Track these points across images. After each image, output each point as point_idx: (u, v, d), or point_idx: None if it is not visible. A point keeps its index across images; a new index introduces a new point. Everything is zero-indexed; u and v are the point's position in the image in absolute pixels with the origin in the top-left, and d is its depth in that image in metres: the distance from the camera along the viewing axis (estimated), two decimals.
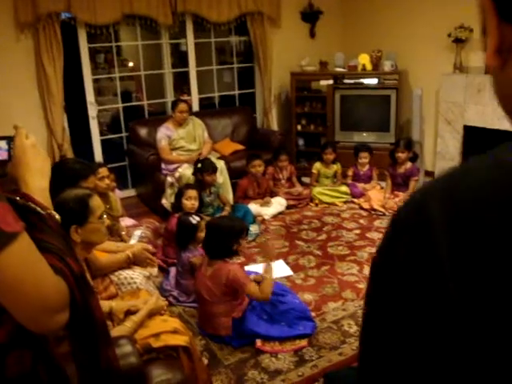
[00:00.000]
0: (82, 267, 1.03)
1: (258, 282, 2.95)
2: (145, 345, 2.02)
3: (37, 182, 1.13)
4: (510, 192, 0.46)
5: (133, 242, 3.91)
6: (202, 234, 3.41)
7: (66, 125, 5.15)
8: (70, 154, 5.15)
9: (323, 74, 6.03)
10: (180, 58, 7.15)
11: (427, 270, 0.49)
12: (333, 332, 2.96)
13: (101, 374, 1.05)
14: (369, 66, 5.79)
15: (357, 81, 5.82)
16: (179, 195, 3.96)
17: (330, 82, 5.85)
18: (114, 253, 2.75)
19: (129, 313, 2.21)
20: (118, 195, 4.63)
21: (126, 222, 4.48)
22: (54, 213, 1.10)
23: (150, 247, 2.88)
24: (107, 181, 3.81)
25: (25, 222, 0.98)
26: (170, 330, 2.12)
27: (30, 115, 4.90)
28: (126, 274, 2.60)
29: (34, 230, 0.97)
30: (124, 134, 5.66)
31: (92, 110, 5.37)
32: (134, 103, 6.18)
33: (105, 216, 2.04)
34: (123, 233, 4.05)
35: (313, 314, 3.10)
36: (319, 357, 2.74)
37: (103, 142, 5.87)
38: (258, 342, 2.82)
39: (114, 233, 3.98)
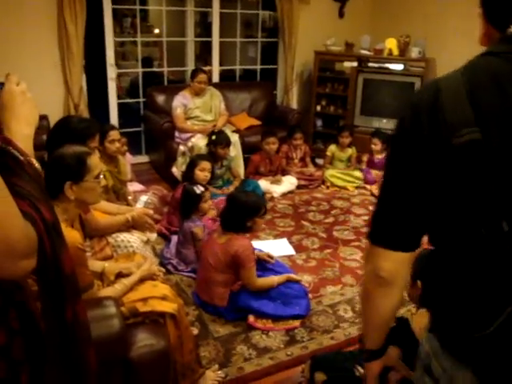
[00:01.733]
0: (55, 217, 1.00)
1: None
2: (131, 308, 2.00)
3: (20, 128, 1.10)
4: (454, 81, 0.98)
5: (138, 207, 3.91)
6: (205, 205, 3.39)
7: (84, 85, 5.12)
8: (85, 115, 5.13)
9: (348, 55, 5.91)
10: (205, 29, 7.07)
11: (414, 127, 0.98)
12: (327, 315, 2.92)
13: (66, 325, 1.03)
14: (395, 51, 5.63)
15: (382, 65, 5.68)
16: (192, 165, 3.91)
17: (355, 64, 5.72)
18: (115, 215, 2.73)
19: (120, 275, 2.20)
20: (128, 160, 4.62)
21: (135, 187, 4.48)
22: (33, 160, 1.06)
23: (150, 212, 2.85)
24: (117, 144, 3.78)
25: (2, 165, 0.95)
26: (158, 296, 2.10)
27: (48, 72, 4.89)
28: (124, 236, 2.59)
29: (10, 174, 0.94)
30: (141, 100, 5.62)
31: (111, 72, 5.33)
32: (153, 69, 6.12)
33: (102, 176, 2.01)
34: (130, 197, 4.05)
35: (310, 295, 3.07)
36: (310, 339, 2.71)
37: (120, 106, 5.84)
38: (251, 318, 2.80)
39: (120, 196, 3.97)
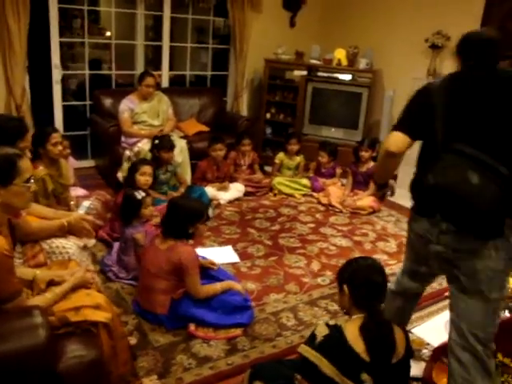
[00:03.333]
0: None
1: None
2: (62, 317, 1.92)
3: None
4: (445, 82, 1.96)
5: (80, 212, 3.78)
6: (146, 211, 3.32)
7: (26, 86, 4.95)
8: (28, 117, 4.95)
9: (298, 64, 5.97)
10: (158, 33, 6.96)
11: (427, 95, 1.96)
12: (270, 323, 2.90)
13: None
14: (344, 62, 5.73)
15: (331, 75, 5.76)
16: (133, 170, 3.83)
17: (304, 72, 5.78)
18: (51, 219, 2.63)
19: (52, 283, 2.11)
20: (72, 164, 4.49)
21: (78, 191, 4.34)
22: None
23: (88, 217, 2.75)
24: (60, 147, 3.66)
25: None
26: (91, 305, 2.02)
27: None
28: (59, 242, 2.49)
29: None
30: (88, 103, 5.48)
31: (56, 74, 5.17)
32: (100, 72, 5.97)
33: (32, 181, 1.92)
34: (72, 202, 3.91)
35: (253, 303, 3.04)
36: (252, 347, 2.68)
37: (66, 109, 5.68)
38: (192, 326, 2.74)
39: (61, 201, 3.83)
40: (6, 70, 4.75)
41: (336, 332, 1.81)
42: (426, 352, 2.59)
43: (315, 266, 3.64)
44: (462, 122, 1.86)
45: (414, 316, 3.07)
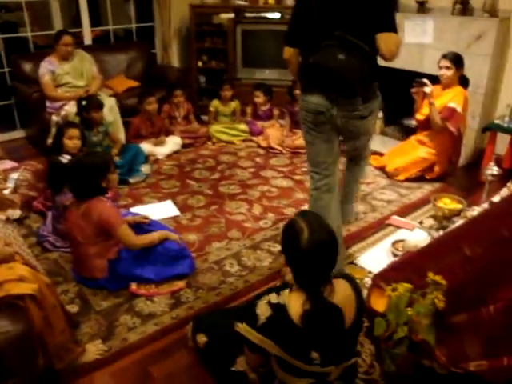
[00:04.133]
0: None
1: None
2: None
3: None
4: None
5: (9, 185, 3.65)
6: None
7: None
8: None
9: (224, 6, 5.77)
10: None
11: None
12: (213, 272, 2.90)
13: None
14: (271, 0, 5.57)
15: (258, 15, 5.60)
16: (59, 135, 3.63)
17: (231, 15, 5.60)
18: None
19: None
20: None
21: (6, 165, 4.17)
22: None
23: (5, 186, 2.62)
24: None
25: None
26: (14, 279, 1.95)
27: None
28: None
29: None
30: (7, 70, 5.18)
31: None
32: (15, 35, 5.61)
33: None
34: (0, 177, 3.76)
35: (194, 254, 3.03)
36: (196, 298, 2.68)
37: None
38: (133, 286, 2.72)
39: None
40: None
41: (280, 313, 1.66)
42: (368, 281, 2.64)
43: (257, 209, 3.63)
44: (332, 10, 2.30)
45: (356, 247, 3.15)
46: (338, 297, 1.69)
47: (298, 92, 4.73)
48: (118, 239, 2.69)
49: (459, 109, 3.84)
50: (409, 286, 1.89)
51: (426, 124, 4.04)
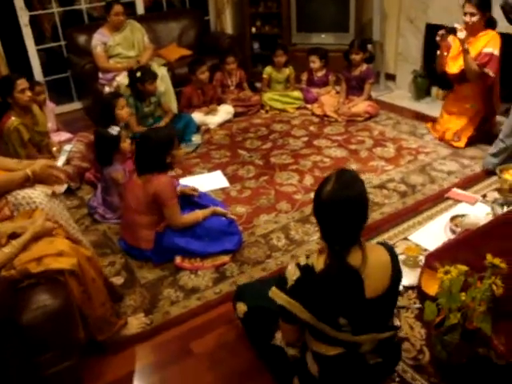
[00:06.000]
0: None
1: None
2: (22, 270, 1.85)
3: None
4: None
5: (62, 157, 3.72)
6: (125, 145, 3.18)
7: None
8: (3, 67, 4.77)
9: None
10: None
11: None
12: (259, 246, 2.82)
13: None
14: None
15: None
16: (109, 107, 3.59)
17: None
18: (13, 171, 2.52)
19: (15, 236, 2.03)
20: (50, 109, 4.34)
21: (62, 136, 4.25)
22: None
23: (54, 163, 2.63)
24: (29, 93, 3.51)
25: None
26: (54, 253, 1.94)
27: None
28: (25, 193, 2.38)
29: None
30: (63, 43, 5.23)
31: (23, 17, 4.91)
32: (71, 7, 5.65)
33: None
34: (54, 149, 3.83)
35: (241, 227, 2.95)
36: (240, 272, 2.62)
37: (47, 52, 5.49)
38: (178, 259, 2.69)
39: (43, 149, 3.75)
40: None
41: (307, 274, 1.58)
42: (422, 259, 2.48)
43: (308, 181, 3.50)
44: None
45: (411, 221, 2.96)
46: (367, 263, 1.57)
47: (354, 56, 4.51)
48: (164, 214, 2.66)
49: (496, 52, 3.55)
50: (464, 268, 1.72)
51: (462, 76, 3.74)
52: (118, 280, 2.62)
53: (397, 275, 1.64)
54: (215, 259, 2.70)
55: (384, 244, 1.73)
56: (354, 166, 3.65)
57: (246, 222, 3.05)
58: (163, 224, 2.72)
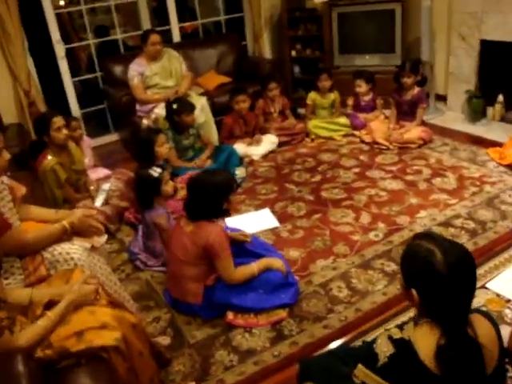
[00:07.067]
0: None
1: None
2: (60, 349, 1.61)
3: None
4: None
5: (100, 197, 3.53)
6: (166, 187, 2.95)
7: (31, 69, 4.63)
8: (39, 101, 4.67)
9: None
10: None
11: None
12: (319, 298, 2.52)
13: None
14: None
15: None
16: (148, 145, 3.39)
17: None
18: (53, 222, 2.31)
19: (52, 304, 1.80)
20: (87, 144, 4.17)
21: (99, 173, 4.05)
22: None
23: (93, 212, 2.41)
24: (65, 131, 3.34)
25: None
26: (96, 326, 1.70)
27: None
28: (61, 248, 2.15)
29: None
30: (99, 74, 5.11)
31: (59, 50, 4.80)
32: (106, 38, 5.55)
33: None
34: (92, 187, 3.64)
35: (297, 275, 2.67)
36: (300, 331, 2.33)
37: (83, 84, 5.39)
38: (230, 315, 2.41)
39: (80, 188, 3.57)
40: (6, 58, 4.43)
41: (404, 350, 1.32)
42: (508, 313, 2.15)
43: (365, 218, 3.20)
44: None
45: (487, 265, 2.62)
46: (478, 335, 1.32)
47: (405, 80, 4.21)
48: (216, 267, 2.41)
49: None
50: None
51: None
52: (164, 340, 2.36)
53: (503, 346, 1.38)
54: (271, 314, 2.42)
55: (479, 310, 1.47)
56: (413, 201, 3.33)
57: (301, 268, 2.77)
58: (213, 276, 2.46)
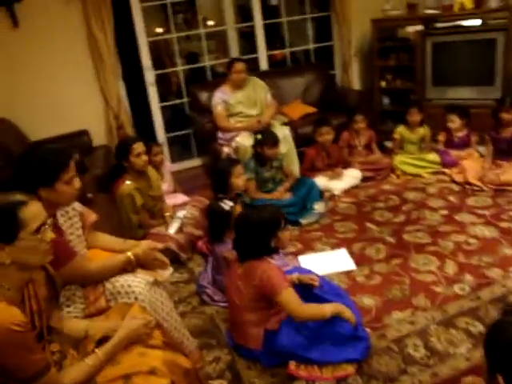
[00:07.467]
0: None
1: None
2: None
3: None
4: None
5: (175, 224, 3.52)
6: None
7: (122, 94, 4.79)
8: (128, 126, 4.82)
9: (411, 18, 5.11)
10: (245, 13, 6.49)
11: None
12: (391, 355, 2.29)
13: None
14: (469, 4, 4.75)
15: (453, 24, 4.83)
16: (224, 176, 3.34)
17: (420, 27, 4.93)
18: (119, 251, 2.28)
19: (105, 339, 1.74)
20: (168, 169, 4.21)
21: (178, 199, 4.06)
22: None
23: (159, 245, 2.35)
24: (144, 157, 3.37)
25: None
26: (145, 371, 1.61)
27: (84, 85, 4.62)
28: (124, 280, 2.11)
29: None
30: (186, 100, 5.20)
31: (149, 76, 4.94)
32: (194, 65, 5.65)
33: (47, 226, 1.54)
34: (167, 214, 3.65)
35: (369, 327, 2.45)
36: None
37: (172, 109, 5.51)
38: (292, 366, 2.24)
39: (156, 214, 3.58)
40: (100, 83, 4.65)
41: None
42: None
43: (450, 268, 2.91)
44: None
45: None
46: None
47: (505, 115, 3.88)
48: (279, 305, 2.26)
49: None
50: None
51: None
52: None
53: None
54: (337, 368, 2.21)
55: None
56: (508, 252, 3.00)
57: (374, 319, 2.54)
58: (276, 320, 2.31)
